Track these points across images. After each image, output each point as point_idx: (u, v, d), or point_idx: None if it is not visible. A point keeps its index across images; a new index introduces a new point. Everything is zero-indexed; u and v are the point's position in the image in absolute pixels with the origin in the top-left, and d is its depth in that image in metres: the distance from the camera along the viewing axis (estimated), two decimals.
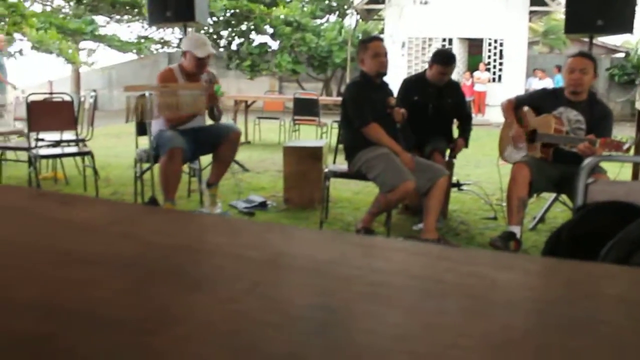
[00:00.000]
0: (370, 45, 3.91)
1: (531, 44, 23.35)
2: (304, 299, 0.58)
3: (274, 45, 19.99)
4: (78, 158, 5.45)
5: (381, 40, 4.07)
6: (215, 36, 20.00)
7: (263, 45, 19.88)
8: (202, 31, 18.27)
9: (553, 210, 4.51)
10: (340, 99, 4.08)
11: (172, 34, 20.44)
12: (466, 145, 4.43)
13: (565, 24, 4.80)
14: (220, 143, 4.15)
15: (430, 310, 0.56)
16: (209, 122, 4.39)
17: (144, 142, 4.20)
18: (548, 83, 16.33)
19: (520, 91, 15.36)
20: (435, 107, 4.25)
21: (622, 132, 9.48)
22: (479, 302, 0.59)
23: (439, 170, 3.71)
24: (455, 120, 4.52)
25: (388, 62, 3.93)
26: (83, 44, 20.03)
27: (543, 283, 0.70)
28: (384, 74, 3.94)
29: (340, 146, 4.04)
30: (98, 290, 0.58)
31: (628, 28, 4.61)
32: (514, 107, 3.93)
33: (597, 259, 1.14)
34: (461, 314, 0.57)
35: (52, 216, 0.87)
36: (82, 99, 5.92)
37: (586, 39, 5.00)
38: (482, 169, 6.88)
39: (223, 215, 4.21)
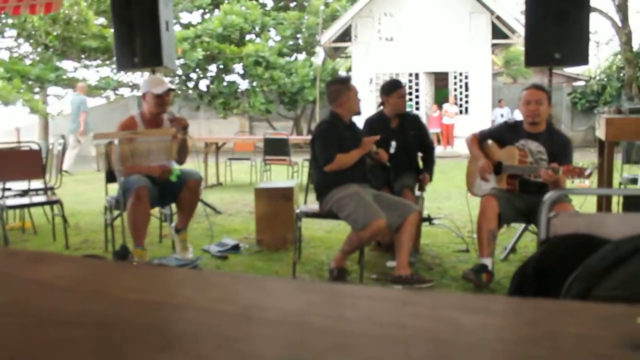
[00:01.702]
0: (352, 86, 3.98)
1: (495, 75, 23.90)
2: (274, 352, 0.59)
3: (243, 84, 20.11)
4: (47, 206, 5.37)
5: None
6: (184, 78, 20.06)
7: (232, 84, 20.00)
8: (172, 74, 18.37)
9: (524, 239, 4.57)
10: (310, 137, 4.09)
11: (141, 77, 20.47)
12: (430, 179, 4.50)
13: (525, 58, 4.97)
14: (180, 190, 4.13)
15: (396, 357, 0.58)
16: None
17: (114, 188, 4.18)
18: None
19: (487, 122, 15.66)
20: (399, 142, 4.33)
21: (586, 158, 9.70)
22: (443, 347, 0.61)
23: (409, 206, 3.75)
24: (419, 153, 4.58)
25: None
26: (51, 90, 19.89)
27: (506, 324, 0.72)
28: (360, 113, 4.02)
29: (312, 185, 4.05)
30: (71, 352, 0.58)
31: (583, 60, 4.80)
32: (478, 142, 4.02)
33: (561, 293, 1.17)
34: (427, 359, 0.59)
35: (21, 276, 0.87)
36: (50, 146, 5.86)
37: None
38: (453, 201, 6.95)
39: (195, 261, 4.18)
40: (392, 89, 4.40)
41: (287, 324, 0.66)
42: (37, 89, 18.01)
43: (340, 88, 3.96)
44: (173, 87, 4.34)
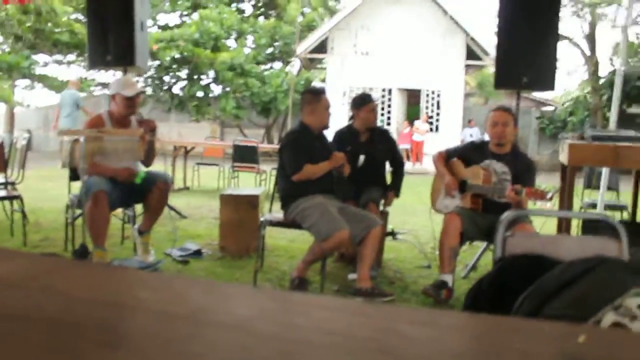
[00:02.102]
0: (323, 98, 3.98)
1: (467, 95, 24.26)
2: (221, 355, 0.59)
3: (217, 89, 20.03)
4: (7, 202, 5.25)
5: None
6: (157, 81, 19.89)
7: (206, 87, 19.90)
8: (145, 75, 18.20)
9: (485, 258, 4.62)
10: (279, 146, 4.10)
11: (113, 76, 20.18)
12: (397, 195, 4.54)
13: (495, 80, 5.08)
14: (149, 191, 4.09)
15: None
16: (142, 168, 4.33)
17: (78, 186, 4.11)
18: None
19: (456, 140, 15.87)
20: (368, 156, 4.35)
21: (551, 181, 9.88)
22: (391, 358, 0.62)
23: (372, 219, 3.77)
24: (388, 167, 4.61)
25: None
26: (19, 82, 19.57)
27: (454, 338, 0.73)
28: (328, 127, 4.03)
29: (277, 195, 4.05)
30: (19, 347, 0.57)
31: (550, 85, 4.93)
32: (444, 160, 4.08)
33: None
34: None
35: None
36: (15, 139, 5.73)
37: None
38: (418, 217, 7.00)
39: (156, 264, 4.13)
40: (362, 103, 4.43)
41: (236, 329, 0.67)
42: (5, 78, 17.68)
43: (310, 98, 3.98)
44: (143, 90, 4.29)
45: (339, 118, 15.61)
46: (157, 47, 17.51)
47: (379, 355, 0.62)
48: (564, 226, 4.35)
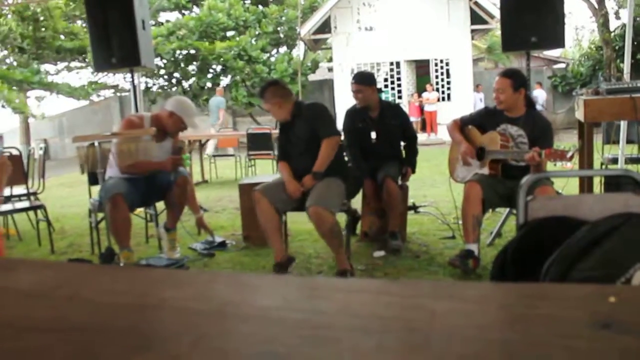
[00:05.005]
0: (263, 96, 3.94)
1: (477, 60, 23.95)
2: (249, 348, 0.59)
3: (225, 80, 19.97)
4: (31, 212, 5.31)
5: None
6: (166, 77, 19.90)
7: (215, 77, 19.86)
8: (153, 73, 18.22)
9: (509, 223, 4.59)
10: None
11: (124, 78, 20.23)
12: (413, 171, 4.52)
13: (502, 43, 4.99)
14: (168, 189, 4.12)
15: (370, 347, 0.58)
16: None
17: (98, 190, 4.15)
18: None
19: (469, 107, 15.71)
20: (380, 131, 4.33)
21: (570, 140, 9.76)
22: (418, 334, 0.61)
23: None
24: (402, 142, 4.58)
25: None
26: (31, 93, 19.72)
27: (479, 309, 0.72)
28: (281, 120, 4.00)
29: None
30: (46, 359, 0.58)
31: (560, 43, 4.83)
32: (459, 128, 4.03)
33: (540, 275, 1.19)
34: (401, 347, 0.59)
35: None
36: (32, 150, 5.79)
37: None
38: (438, 188, 6.98)
39: (182, 260, 4.16)
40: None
41: (262, 320, 0.66)
42: (17, 92, 17.85)
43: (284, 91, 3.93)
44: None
45: (349, 96, 15.52)
46: (155, 42, 17.47)
47: (405, 334, 0.62)
48: (586, 184, 4.31)
